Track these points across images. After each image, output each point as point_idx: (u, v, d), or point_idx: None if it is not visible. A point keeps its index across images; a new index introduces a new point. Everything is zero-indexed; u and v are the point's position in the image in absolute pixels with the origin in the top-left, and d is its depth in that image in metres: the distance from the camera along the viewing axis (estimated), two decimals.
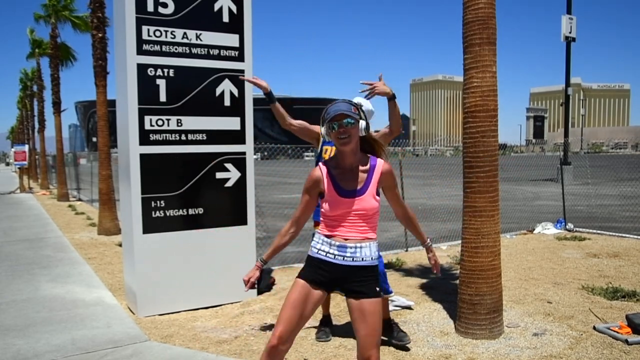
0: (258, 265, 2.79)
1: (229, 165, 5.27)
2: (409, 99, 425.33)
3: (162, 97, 4.95)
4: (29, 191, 22.86)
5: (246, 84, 5.33)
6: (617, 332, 4.10)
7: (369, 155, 2.66)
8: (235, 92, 5.29)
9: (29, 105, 34.48)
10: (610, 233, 9.07)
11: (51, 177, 27.17)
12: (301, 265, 2.84)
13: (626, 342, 3.96)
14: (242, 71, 5.31)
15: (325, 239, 2.61)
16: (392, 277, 6.17)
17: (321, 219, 2.66)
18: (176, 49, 5.00)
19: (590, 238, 8.64)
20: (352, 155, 2.58)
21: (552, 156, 28.32)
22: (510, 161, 20.38)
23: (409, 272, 6.43)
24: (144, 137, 4.89)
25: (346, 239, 2.57)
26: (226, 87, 5.24)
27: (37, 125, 27.07)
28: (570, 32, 22.89)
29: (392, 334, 4.06)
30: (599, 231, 9.24)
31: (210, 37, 5.14)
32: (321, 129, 2.62)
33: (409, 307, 4.97)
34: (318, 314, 4.79)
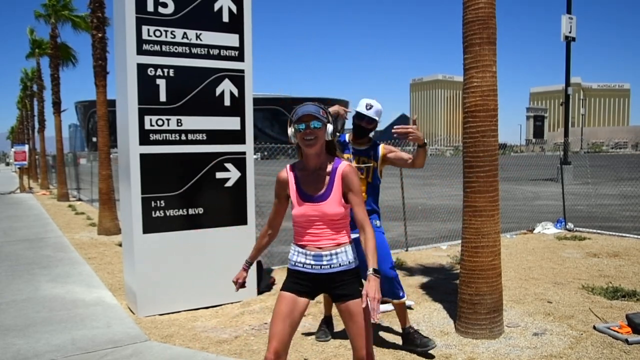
0: (244, 267, 2.86)
1: (229, 165, 5.27)
2: (409, 99, 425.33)
3: (162, 97, 4.95)
4: (29, 191, 22.86)
5: (246, 83, 5.33)
6: (617, 332, 4.10)
7: (334, 157, 2.60)
8: (235, 92, 5.29)
9: (29, 105, 34.49)
10: (610, 233, 9.07)
11: (51, 177, 27.17)
12: None
13: (626, 341, 3.95)
14: (242, 71, 5.32)
15: (300, 249, 2.59)
16: None
17: (294, 226, 2.63)
18: (176, 49, 5.00)
19: (590, 238, 8.64)
20: (317, 157, 2.55)
21: (552, 156, 28.32)
22: (510, 161, 20.37)
23: (409, 272, 6.43)
24: (144, 137, 4.89)
25: (320, 248, 2.54)
26: (226, 87, 5.24)
27: (37, 125, 27.09)
28: (570, 32, 22.89)
29: (414, 341, 3.91)
30: (599, 231, 9.23)
31: (210, 37, 5.14)
32: (288, 130, 2.57)
33: (409, 307, 4.96)
34: (319, 315, 4.79)
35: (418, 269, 6.58)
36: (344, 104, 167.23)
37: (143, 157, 4.89)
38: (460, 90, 3.78)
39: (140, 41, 4.82)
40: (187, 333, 4.46)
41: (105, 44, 10.54)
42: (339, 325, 4.53)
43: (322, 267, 2.54)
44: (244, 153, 5.35)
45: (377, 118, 3.99)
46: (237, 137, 5.31)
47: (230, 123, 5.28)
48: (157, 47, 4.90)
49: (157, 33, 4.90)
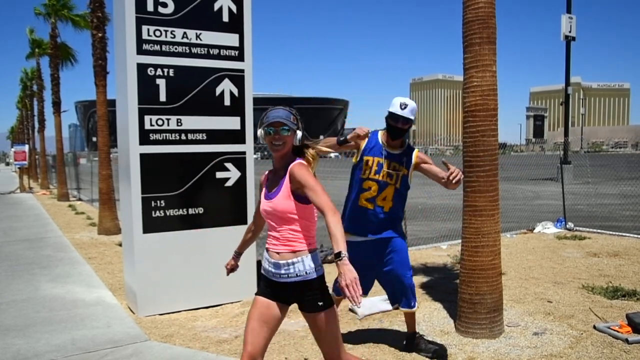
0: (234, 256, 3.08)
1: (229, 165, 5.26)
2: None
3: (162, 97, 4.95)
4: (29, 191, 22.86)
5: (246, 83, 5.34)
6: (618, 331, 4.10)
7: (296, 157, 2.60)
8: (235, 91, 5.29)
9: (29, 105, 34.48)
10: (611, 232, 9.07)
11: (51, 177, 27.16)
12: None
13: (626, 341, 3.95)
14: (242, 71, 5.31)
15: (266, 254, 2.63)
16: None
17: None
18: (176, 49, 4.99)
19: (591, 237, 8.64)
20: (281, 160, 2.60)
21: (552, 155, 28.31)
22: (510, 160, 20.35)
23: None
24: (144, 137, 4.89)
25: (278, 253, 2.54)
26: (226, 87, 5.24)
27: (37, 125, 27.09)
28: (570, 32, 22.88)
29: (420, 346, 3.91)
30: (599, 230, 9.23)
31: (210, 37, 5.14)
32: (258, 131, 2.62)
33: None
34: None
35: (418, 269, 6.58)
36: (344, 103, 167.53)
37: (143, 157, 4.89)
38: (460, 90, 3.77)
39: (140, 41, 4.82)
40: (187, 333, 4.46)
41: (105, 44, 10.54)
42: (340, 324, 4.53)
43: (281, 275, 2.55)
44: (244, 153, 5.35)
45: (413, 117, 3.75)
46: (237, 137, 5.31)
47: (230, 123, 5.28)
48: (157, 47, 4.90)
49: (157, 33, 4.89)
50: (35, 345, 4.14)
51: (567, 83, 24.12)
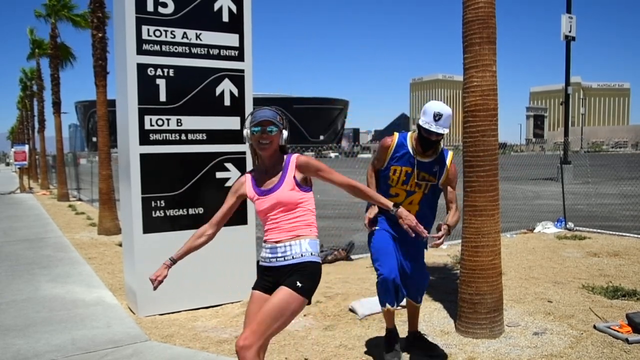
0: (167, 264, 2.93)
1: (229, 165, 5.26)
2: (409, 99, 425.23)
3: (162, 97, 4.95)
4: (29, 191, 22.86)
5: (246, 83, 5.33)
6: (618, 331, 4.09)
7: (286, 154, 2.72)
8: (235, 91, 5.29)
9: (29, 105, 34.48)
10: (611, 232, 9.07)
11: (51, 177, 27.17)
12: None
13: (626, 341, 3.95)
14: (242, 71, 5.31)
15: (264, 244, 2.68)
16: None
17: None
18: (176, 49, 4.99)
19: (591, 237, 8.64)
20: (270, 158, 2.65)
21: (552, 155, 28.30)
22: (510, 160, 20.35)
23: None
24: (144, 137, 4.89)
25: (277, 242, 2.61)
26: (226, 87, 5.24)
27: (37, 125, 27.09)
28: (570, 31, 22.88)
29: (422, 344, 3.93)
30: (599, 230, 9.23)
31: (210, 37, 5.14)
32: (244, 131, 2.65)
33: None
34: (319, 315, 4.79)
35: None
36: (344, 103, 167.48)
37: (143, 157, 4.89)
38: (460, 90, 3.77)
39: (140, 41, 4.82)
40: (187, 333, 4.46)
41: (105, 44, 10.54)
42: (337, 323, 4.53)
43: (277, 259, 2.60)
44: (244, 153, 5.34)
45: (447, 130, 3.40)
46: (237, 137, 5.31)
47: (230, 123, 5.28)
48: (157, 47, 4.90)
49: (157, 33, 4.89)
50: (35, 345, 4.14)
51: (567, 83, 24.12)
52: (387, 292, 3.53)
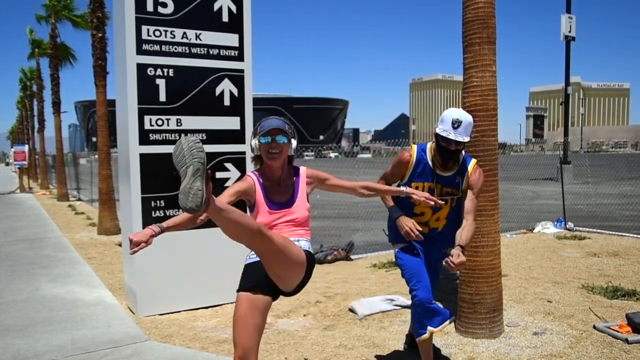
0: (154, 231, 2.55)
1: (228, 165, 5.26)
2: (409, 99, 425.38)
3: (162, 97, 4.95)
4: (29, 191, 22.86)
5: (246, 83, 5.34)
6: (617, 331, 4.10)
7: (294, 166, 2.71)
8: (235, 91, 5.29)
9: (29, 105, 34.48)
10: (610, 232, 9.08)
11: (51, 177, 27.17)
12: None
13: (626, 341, 3.95)
14: (242, 71, 5.31)
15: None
16: (392, 277, 6.17)
17: None
18: (176, 49, 4.99)
19: (590, 237, 8.64)
20: (280, 169, 2.63)
21: (552, 155, 28.31)
22: (510, 160, 20.36)
23: None
24: (144, 137, 4.89)
25: None
26: (226, 87, 5.24)
27: (36, 125, 27.10)
28: (569, 31, 22.89)
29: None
30: (598, 230, 9.24)
31: (210, 37, 5.14)
32: (252, 141, 2.61)
33: (408, 307, 4.96)
34: (319, 315, 4.79)
35: None
36: (344, 103, 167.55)
37: (143, 157, 4.89)
38: (460, 90, 3.77)
39: (140, 41, 4.82)
40: (187, 333, 4.46)
41: (105, 44, 10.55)
42: (337, 323, 4.53)
43: None
44: (243, 153, 5.35)
45: (468, 138, 3.14)
46: (237, 137, 5.31)
47: (230, 123, 5.28)
48: (156, 47, 4.90)
49: (157, 33, 4.89)
50: (35, 345, 4.14)
51: (567, 83, 24.13)
52: (427, 314, 3.21)
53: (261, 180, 2.63)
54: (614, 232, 9.04)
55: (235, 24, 5.27)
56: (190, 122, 5.08)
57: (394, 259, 6.89)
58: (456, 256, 2.91)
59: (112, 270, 6.85)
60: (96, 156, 11.44)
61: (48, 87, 20.52)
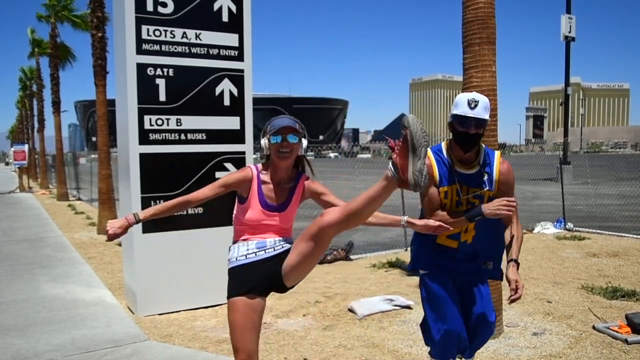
0: (130, 221, 2.66)
1: (228, 165, 5.26)
2: (409, 99, 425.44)
3: (162, 97, 4.95)
4: (29, 191, 22.85)
5: (246, 83, 5.34)
6: (617, 332, 4.10)
7: (298, 170, 2.67)
8: (235, 91, 5.29)
9: (29, 104, 34.47)
10: (610, 232, 9.08)
11: (51, 176, 27.16)
12: None
13: (625, 341, 3.96)
14: (242, 71, 5.32)
15: (241, 243, 2.57)
16: (392, 277, 6.18)
17: (237, 226, 2.61)
18: (176, 49, 5.00)
19: (590, 237, 8.64)
20: (286, 171, 2.58)
21: (552, 156, 28.32)
22: (510, 161, 20.22)
23: (408, 272, 6.43)
24: (144, 137, 4.89)
25: (264, 238, 2.56)
26: (226, 87, 5.24)
27: (36, 125, 27.10)
28: (569, 32, 22.90)
29: None
30: (598, 231, 9.24)
31: (210, 37, 5.14)
32: (261, 140, 2.55)
33: (408, 307, 4.97)
34: (319, 315, 4.79)
35: None
36: (343, 103, 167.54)
37: (143, 156, 4.89)
38: (460, 90, 3.77)
39: (139, 41, 4.82)
40: (186, 333, 4.46)
41: (105, 44, 10.54)
42: (336, 323, 4.54)
43: (267, 251, 2.53)
44: (243, 153, 5.35)
45: (488, 117, 2.75)
46: (236, 136, 5.31)
47: (230, 123, 5.28)
48: (156, 47, 4.90)
49: (157, 33, 4.90)
50: (35, 345, 4.14)
51: (567, 83, 24.14)
52: (447, 348, 2.86)
53: (261, 177, 2.58)
54: (613, 233, 9.04)
55: (235, 24, 5.27)
56: (190, 122, 5.08)
57: (394, 260, 6.91)
58: (514, 282, 2.72)
59: (111, 270, 6.85)
60: (96, 156, 11.43)
61: (48, 87, 20.55)
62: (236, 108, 5.31)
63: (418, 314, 4.79)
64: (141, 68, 4.85)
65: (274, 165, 2.57)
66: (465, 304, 2.92)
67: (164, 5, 4.91)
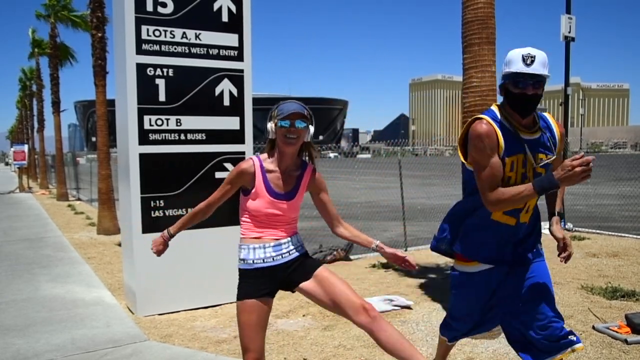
0: (165, 237, 2.93)
1: (228, 165, 5.26)
2: (409, 99, 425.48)
3: (162, 97, 4.96)
4: (29, 191, 22.85)
5: (246, 83, 5.34)
6: (617, 332, 4.10)
7: (303, 159, 2.65)
8: (235, 91, 5.29)
9: (29, 104, 34.46)
10: (610, 233, 9.08)
11: (50, 176, 27.16)
12: None
13: (625, 341, 3.96)
14: (242, 71, 5.32)
15: (255, 245, 2.54)
16: (392, 277, 6.18)
17: (244, 219, 2.60)
18: (175, 49, 5.00)
19: (590, 238, 8.64)
20: (291, 158, 2.54)
21: None
22: None
23: (408, 272, 6.43)
24: (144, 137, 4.89)
25: (277, 238, 2.55)
26: (225, 87, 5.24)
27: (36, 125, 27.08)
28: (569, 32, 22.82)
29: None
30: (598, 231, 9.24)
31: (210, 37, 5.14)
32: (267, 124, 2.48)
33: (408, 307, 4.97)
34: (319, 315, 4.79)
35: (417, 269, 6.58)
36: (343, 103, 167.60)
37: (142, 156, 4.89)
38: (460, 90, 3.77)
39: (139, 41, 4.82)
40: (186, 333, 4.46)
41: (104, 44, 10.55)
42: (337, 322, 4.54)
43: (283, 255, 2.55)
44: (243, 153, 5.35)
45: (547, 73, 2.42)
46: (236, 136, 5.32)
47: (230, 123, 5.28)
48: (156, 47, 4.90)
49: (157, 33, 4.90)
50: (35, 345, 4.14)
51: (567, 83, 24.06)
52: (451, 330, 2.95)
53: (265, 166, 2.53)
54: (613, 233, 9.04)
55: (235, 24, 5.27)
56: (189, 122, 5.08)
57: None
58: (562, 240, 2.60)
59: (111, 270, 6.85)
60: (95, 156, 11.44)
61: (48, 87, 20.52)
62: (236, 108, 5.31)
63: (418, 314, 4.79)
64: (141, 68, 4.85)
65: (280, 151, 2.51)
66: (516, 291, 2.76)
67: (164, 5, 4.91)
